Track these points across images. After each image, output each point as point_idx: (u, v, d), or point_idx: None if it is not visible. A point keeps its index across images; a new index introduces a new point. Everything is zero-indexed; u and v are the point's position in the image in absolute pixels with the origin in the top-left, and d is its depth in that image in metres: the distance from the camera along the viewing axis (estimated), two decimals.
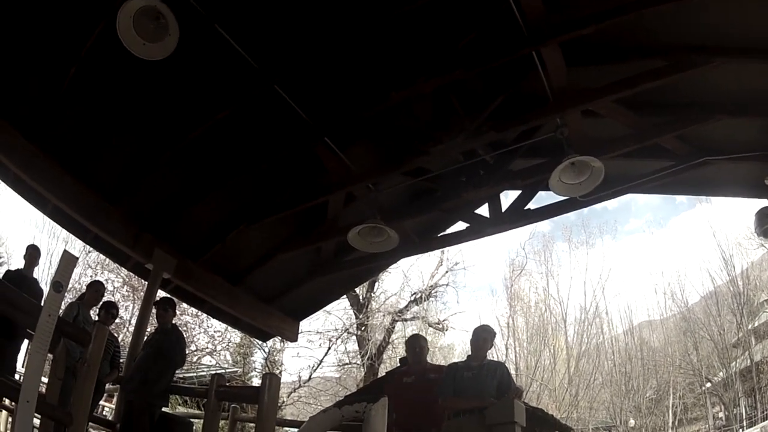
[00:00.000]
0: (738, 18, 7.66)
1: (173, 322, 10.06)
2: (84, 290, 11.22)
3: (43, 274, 28.78)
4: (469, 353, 8.71)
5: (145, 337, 10.23)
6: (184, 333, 11.28)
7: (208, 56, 8.09)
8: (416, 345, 8.89)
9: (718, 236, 68.81)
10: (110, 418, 11.33)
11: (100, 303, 10.27)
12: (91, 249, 17.08)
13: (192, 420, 11.90)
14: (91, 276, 30.63)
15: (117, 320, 12.48)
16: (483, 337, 8.60)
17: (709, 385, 47.80)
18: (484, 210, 11.47)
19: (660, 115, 9.32)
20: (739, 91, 8.73)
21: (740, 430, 39.78)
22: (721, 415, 46.97)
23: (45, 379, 7.75)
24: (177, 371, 10.16)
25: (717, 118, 8.83)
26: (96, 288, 10.08)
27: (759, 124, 9.15)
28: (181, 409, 21.98)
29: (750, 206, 10.30)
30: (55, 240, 35.09)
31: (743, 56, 7.95)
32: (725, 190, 11.22)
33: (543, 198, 9.99)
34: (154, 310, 10.22)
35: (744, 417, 42.09)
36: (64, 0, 7.19)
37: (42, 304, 6.27)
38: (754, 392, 41.69)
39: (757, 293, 47.87)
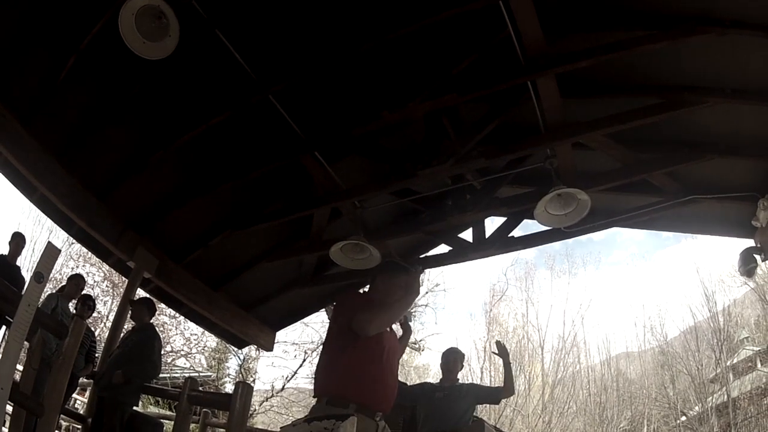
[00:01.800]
0: (733, 60, 7.75)
1: (150, 322, 10.09)
2: (64, 282, 11.21)
3: (26, 261, 28.71)
4: (441, 377, 8.77)
5: (122, 335, 10.22)
6: (160, 333, 11.28)
7: (207, 61, 8.14)
8: (450, 359, 8.89)
9: (701, 272, 69.15)
10: (82, 412, 11.31)
11: (79, 296, 10.27)
12: (75, 241, 17.04)
13: (163, 421, 11.91)
14: (72, 268, 30.61)
15: (95, 315, 12.38)
16: (453, 359, 8.70)
17: (684, 418, 47.87)
18: (467, 234, 11.54)
19: (650, 152, 9.39)
20: (730, 132, 8.83)
21: None
22: None
23: (20, 368, 7.77)
24: (155, 371, 10.14)
25: (707, 157, 8.91)
26: (76, 281, 10.08)
27: (749, 165, 9.25)
28: (152, 409, 21.97)
29: (735, 245, 10.41)
30: (39, 227, 34.95)
31: (736, 97, 8.02)
32: (711, 229, 11.23)
33: (528, 225, 10.10)
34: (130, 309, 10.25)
35: None
36: None
37: (23, 293, 6.30)
38: (730, 427, 41.78)
39: (738, 330, 48.07)
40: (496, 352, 8.91)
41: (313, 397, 5.09)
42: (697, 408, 46.23)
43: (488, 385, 9.31)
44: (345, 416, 4.49)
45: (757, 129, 8.63)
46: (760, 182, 9.16)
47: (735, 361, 45.04)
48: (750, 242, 10.04)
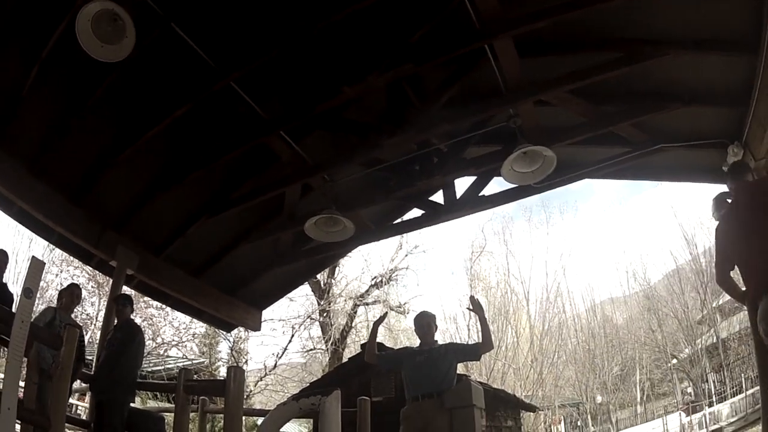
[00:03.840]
0: (692, 11, 7.86)
1: (132, 316, 10.16)
2: (50, 290, 11.21)
3: (9, 273, 28.64)
4: (419, 341, 8.87)
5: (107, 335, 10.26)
6: (149, 326, 11.33)
7: (166, 55, 8.18)
8: (424, 322, 9.02)
9: (679, 216, 69.61)
10: (84, 418, 11.35)
11: (76, 305, 10.26)
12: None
13: (163, 414, 12.03)
14: (56, 273, 30.56)
15: (84, 316, 12.24)
16: (426, 322, 8.75)
17: (675, 361, 48.28)
18: (439, 197, 11.63)
19: (614, 105, 9.53)
20: (693, 82, 8.96)
21: (710, 405, 40.15)
22: (689, 390, 47.37)
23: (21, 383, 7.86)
24: (142, 364, 10.20)
25: (672, 107, 9.02)
26: (70, 290, 10.03)
27: (715, 113, 9.40)
28: (151, 404, 22.04)
29: (711, 189, 10.53)
30: (20, 238, 34.92)
31: (697, 48, 8.13)
32: (683, 176, 11.42)
33: (500, 182, 10.17)
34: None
35: (713, 393, 42.51)
36: (26, 1, 7.26)
37: (14, 310, 6.40)
38: (722, 368, 42.10)
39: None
40: (471, 308, 9.00)
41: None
42: (687, 350, 46.64)
43: (467, 342, 9.27)
44: (329, 391, 4.64)
45: (721, 78, 8.79)
46: (727, 129, 9.29)
47: (721, 302, 45.30)
48: (722, 188, 10.19)
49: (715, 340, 44.26)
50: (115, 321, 10.02)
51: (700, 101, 9.04)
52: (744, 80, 8.20)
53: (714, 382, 43.63)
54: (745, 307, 6.58)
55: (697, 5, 7.73)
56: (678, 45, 8.08)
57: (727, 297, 40.98)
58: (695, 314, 47.97)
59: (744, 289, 6.49)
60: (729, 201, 8.98)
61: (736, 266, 6.61)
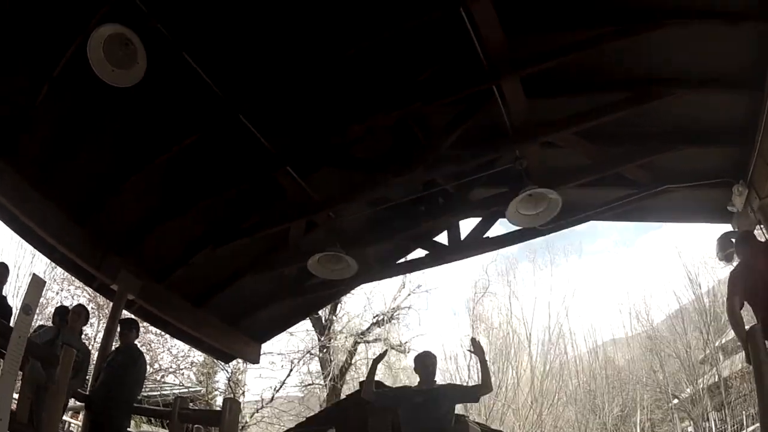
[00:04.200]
0: (697, 51, 7.94)
1: (134, 342, 10.10)
2: (52, 305, 11.13)
3: (10, 287, 28.59)
4: (418, 380, 8.82)
5: (108, 356, 10.15)
6: (147, 352, 11.28)
7: (177, 83, 8.18)
8: (428, 362, 8.92)
9: (683, 256, 69.36)
10: None
11: (83, 325, 10.17)
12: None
13: None
14: (56, 291, 30.47)
15: (83, 337, 12.11)
16: (431, 362, 8.72)
17: (676, 401, 47.99)
18: (443, 237, 11.63)
19: (620, 146, 9.55)
20: (699, 121, 9.03)
21: None
22: (690, 429, 47.08)
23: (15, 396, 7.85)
24: (141, 389, 10.14)
25: (678, 148, 9.11)
26: (75, 311, 9.93)
27: (719, 152, 9.47)
28: (145, 427, 21.96)
29: (715, 228, 10.52)
30: (23, 252, 34.82)
31: (703, 88, 8.24)
32: (687, 217, 11.49)
33: (505, 224, 10.17)
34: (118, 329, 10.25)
35: (714, 431, 42.31)
36: (40, 20, 7.24)
37: (12, 324, 6.40)
38: (723, 407, 41.84)
39: (724, 310, 48.06)
40: (472, 350, 8.97)
41: None
42: (688, 390, 46.26)
43: (466, 383, 9.28)
44: (324, 430, 4.63)
45: (725, 117, 8.85)
46: (732, 168, 9.35)
47: (723, 341, 45.05)
48: (727, 227, 10.17)
49: (717, 379, 44.10)
50: (117, 344, 9.97)
51: (706, 140, 9.16)
52: (749, 118, 8.31)
53: (715, 420, 43.38)
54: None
55: (702, 44, 7.81)
56: (684, 84, 8.20)
57: (731, 335, 40.95)
58: (698, 354, 47.69)
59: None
60: (733, 241, 9.03)
61: (745, 302, 7.49)
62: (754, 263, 7.66)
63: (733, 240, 9.73)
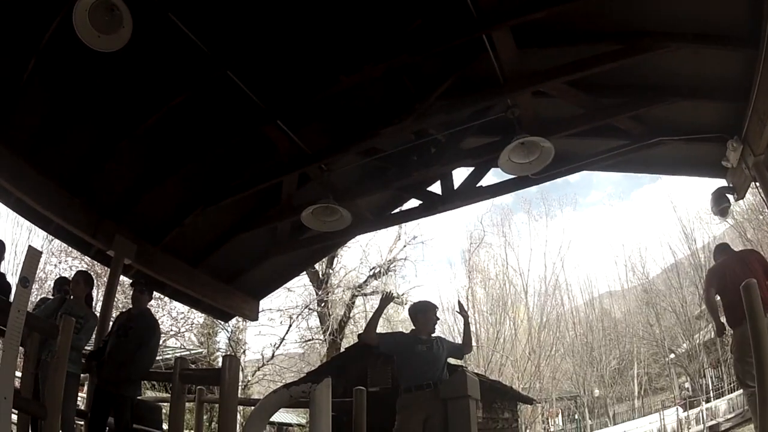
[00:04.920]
0: (692, 4, 7.86)
1: (148, 307, 9.98)
2: (51, 278, 11.01)
3: (9, 265, 28.59)
4: (415, 329, 8.82)
5: (118, 319, 9.82)
6: None
7: (163, 44, 8.13)
8: (430, 312, 8.86)
9: (679, 210, 69.69)
10: (82, 407, 11.24)
11: (87, 292, 9.98)
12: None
13: (160, 404, 12.03)
14: (55, 264, 30.53)
15: None
16: (433, 313, 8.77)
17: (673, 356, 48.29)
18: (436, 187, 11.62)
19: (613, 97, 9.51)
20: (694, 75, 8.96)
21: (708, 400, 40.12)
22: (687, 385, 47.36)
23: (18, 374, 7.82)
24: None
25: (671, 100, 9.04)
26: (75, 279, 9.80)
27: (714, 107, 9.43)
28: (149, 393, 22.05)
29: (710, 183, 10.57)
30: (19, 228, 34.84)
31: (697, 42, 8.09)
32: (681, 170, 11.46)
33: (498, 173, 10.15)
34: (130, 292, 10.15)
35: (711, 388, 42.52)
36: None
37: (11, 299, 6.37)
38: (720, 364, 42.07)
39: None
40: (459, 311, 9.02)
41: None
42: (685, 345, 46.61)
43: (451, 342, 9.37)
44: (320, 379, 4.62)
45: (720, 72, 8.78)
46: (727, 123, 9.28)
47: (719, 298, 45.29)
48: (721, 182, 10.18)
49: (713, 336, 44.26)
50: (123, 311, 9.88)
51: (700, 95, 9.08)
52: (744, 74, 8.18)
53: (711, 377, 43.64)
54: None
55: None
56: (678, 38, 8.06)
57: None
58: (693, 309, 47.99)
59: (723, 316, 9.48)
60: (729, 196, 9.08)
61: (718, 296, 9.52)
62: (726, 267, 9.44)
63: (728, 195, 9.78)
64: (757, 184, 9.17)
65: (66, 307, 8.66)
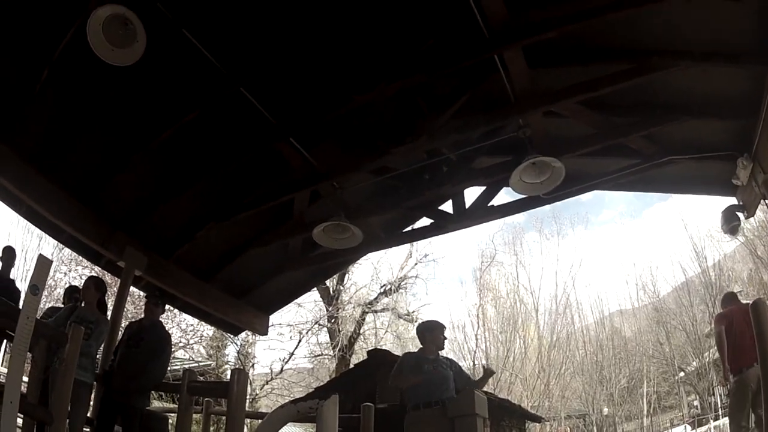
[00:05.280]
0: (702, 24, 7.85)
1: (160, 319, 10.00)
2: (58, 288, 11.02)
3: (19, 271, 28.65)
4: (422, 348, 8.87)
5: (129, 329, 9.88)
6: None
7: (177, 59, 8.19)
8: (437, 332, 9.03)
9: (690, 229, 69.30)
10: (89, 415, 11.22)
11: (99, 297, 9.94)
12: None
13: (167, 414, 12.06)
14: (65, 273, 30.60)
15: None
16: (441, 332, 8.82)
17: (682, 374, 48.10)
18: (448, 206, 11.65)
19: (624, 116, 9.51)
20: (703, 94, 8.94)
21: (716, 418, 39.99)
22: (696, 403, 47.14)
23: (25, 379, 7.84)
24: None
25: (682, 119, 9.04)
26: (86, 285, 9.78)
27: (724, 125, 9.40)
28: (156, 404, 22.08)
29: (721, 201, 10.54)
30: (30, 236, 34.86)
31: (708, 60, 8.12)
32: (692, 188, 11.44)
33: (509, 192, 10.16)
34: (140, 303, 10.16)
35: (719, 406, 42.38)
36: (38, 3, 7.26)
37: (20, 306, 6.41)
38: (728, 382, 41.88)
39: (731, 284, 48.01)
40: (485, 367, 9.14)
41: None
42: (694, 363, 46.37)
43: (467, 370, 9.37)
44: (328, 396, 4.65)
45: (730, 89, 8.77)
46: (737, 141, 9.27)
47: None
48: (732, 200, 10.18)
49: None
50: (134, 321, 9.89)
51: (710, 113, 9.06)
52: (754, 92, 8.20)
53: (720, 395, 43.42)
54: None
55: (707, 16, 7.72)
56: (688, 56, 8.09)
57: None
58: (703, 327, 47.77)
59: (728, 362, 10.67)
60: (739, 214, 9.14)
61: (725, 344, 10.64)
62: (734, 314, 10.54)
63: (738, 213, 9.81)
64: (767, 201, 9.18)
65: (77, 315, 8.62)
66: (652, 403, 52.41)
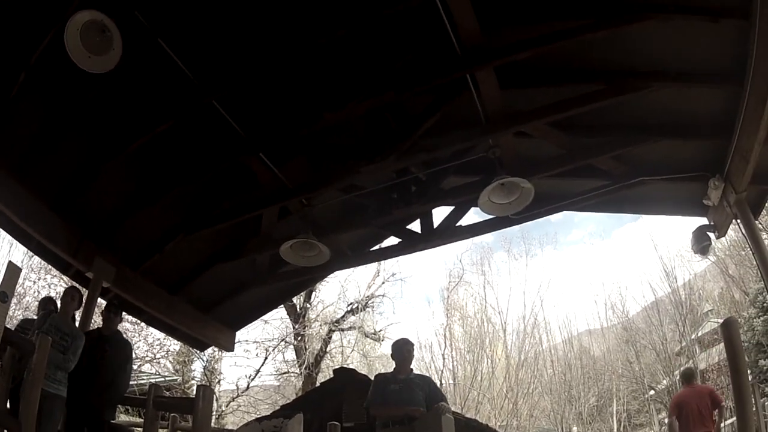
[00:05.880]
0: (677, 45, 8.01)
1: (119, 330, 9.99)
2: (30, 295, 10.89)
3: None
4: (394, 367, 8.87)
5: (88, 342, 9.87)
6: None
7: (151, 69, 8.24)
8: (404, 350, 9.02)
9: (659, 249, 69.86)
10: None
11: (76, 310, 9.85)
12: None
13: (133, 429, 11.99)
14: (34, 281, 30.39)
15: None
16: (407, 349, 8.82)
17: (652, 392, 48.28)
18: (416, 225, 11.72)
19: (594, 137, 9.61)
20: (675, 114, 9.09)
21: None
22: (666, 421, 47.32)
23: None
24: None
25: (653, 140, 9.19)
26: (71, 294, 9.67)
27: (696, 146, 9.56)
28: (123, 418, 21.94)
29: (692, 221, 10.70)
30: (0, 242, 34.73)
31: (679, 81, 8.27)
32: (663, 209, 11.53)
33: (478, 212, 10.21)
34: (97, 313, 10.08)
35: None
36: (17, 6, 7.23)
37: None
38: None
39: (701, 303, 48.37)
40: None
41: None
42: (665, 381, 46.54)
43: (436, 390, 9.20)
44: (292, 415, 4.66)
45: (703, 110, 8.94)
46: (708, 162, 9.41)
47: (700, 333, 45.36)
48: (703, 221, 10.28)
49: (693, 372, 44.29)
50: (92, 329, 9.80)
51: (683, 134, 9.22)
52: (726, 113, 8.35)
53: None
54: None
55: (681, 38, 7.88)
56: (661, 77, 8.25)
57: (707, 328, 41.37)
58: (674, 346, 48.00)
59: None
60: (710, 234, 9.28)
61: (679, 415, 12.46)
62: (683, 398, 12.73)
63: (709, 233, 9.91)
64: (739, 221, 9.26)
65: (52, 321, 8.51)
66: (622, 422, 52.53)
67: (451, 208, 11.43)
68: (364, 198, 10.77)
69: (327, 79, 8.85)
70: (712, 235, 10.15)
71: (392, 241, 12.32)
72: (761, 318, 33.38)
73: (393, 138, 9.45)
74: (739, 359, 6.25)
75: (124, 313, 10.83)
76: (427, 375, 8.97)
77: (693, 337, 45.86)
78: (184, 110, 8.75)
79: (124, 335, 10.43)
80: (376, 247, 13.38)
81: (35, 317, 9.83)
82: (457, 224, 11.28)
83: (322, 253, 9.93)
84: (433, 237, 11.34)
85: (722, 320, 7.48)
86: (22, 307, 26.82)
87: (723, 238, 10.57)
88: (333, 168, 9.97)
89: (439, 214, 11.67)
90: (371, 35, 8.34)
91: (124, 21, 6.48)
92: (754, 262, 11.90)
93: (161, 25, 7.48)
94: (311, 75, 8.81)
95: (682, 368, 15.27)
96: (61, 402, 8.25)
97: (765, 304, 32.89)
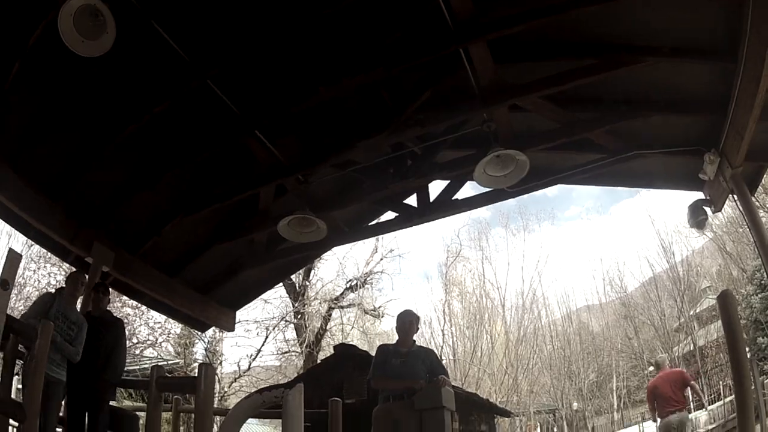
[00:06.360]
0: (668, 19, 7.94)
1: (109, 310, 10.00)
2: (30, 284, 10.89)
3: None
4: (397, 339, 8.88)
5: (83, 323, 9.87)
6: (126, 325, 11.11)
7: (145, 52, 8.18)
8: (406, 321, 8.98)
9: (657, 224, 69.89)
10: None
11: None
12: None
13: (137, 413, 12.05)
14: (34, 270, 30.41)
15: None
16: (409, 320, 8.80)
17: (651, 368, 48.41)
18: (413, 200, 11.73)
19: (589, 111, 9.62)
20: (670, 89, 9.06)
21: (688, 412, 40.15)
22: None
23: None
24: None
25: (647, 114, 9.20)
26: (74, 278, 9.60)
27: (691, 120, 9.53)
28: (127, 403, 22.00)
29: (689, 196, 10.62)
30: None
31: (673, 56, 8.22)
32: (658, 183, 11.55)
33: (474, 186, 10.19)
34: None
35: (691, 400, 42.62)
36: None
37: None
38: (699, 376, 42.15)
39: (699, 280, 48.48)
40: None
41: None
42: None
43: (438, 363, 9.14)
44: (293, 385, 4.68)
45: (698, 85, 8.93)
46: (704, 136, 9.41)
47: (698, 310, 45.47)
48: (699, 195, 10.28)
49: (692, 348, 44.40)
50: (89, 309, 9.78)
51: (677, 108, 9.19)
52: (721, 87, 8.33)
53: (688, 389, 43.65)
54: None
55: (675, 12, 7.79)
56: (655, 52, 8.19)
57: (705, 305, 41.29)
58: (672, 322, 48.14)
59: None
60: (706, 209, 9.25)
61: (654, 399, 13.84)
62: (657, 384, 14.05)
63: (705, 208, 9.90)
64: (735, 196, 9.27)
65: (59, 307, 8.50)
66: (622, 398, 52.81)
67: (447, 182, 11.45)
68: (360, 173, 10.78)
69: (321, 56, 8.80)
70: (708, 209, 10.15)
71: (389, 215, 12.35)
72: (759, 295, 33.42)
73: (388, 113, 9.44)
74: (737, 333, 6.23)
75: (125, 297, 10.84)
76: (430, 347, 8.89)
77: (691, 313, 45.99)
78: (178, 91, 8.70)
79: (125, 320, 10.45)
80: (374, 222, 13.44)
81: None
82: (454, 198, 11.30)
83: (320, 229, 9.94)
84: (429, 211, 11.36)
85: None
86: (23, 297, 26.85)
87: (720, 215, 10.65)
88: (329, 144, 9.98)
89: (435, 188, 11.68)
90: (363, 11, 8.24)
91: (117, 4, 6.45)
92: (752, 240, 11.93)
93: (153, 6, 7.42)
94: (306, 51, 8.76)
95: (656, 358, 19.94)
96: (62, 387, 8.33)
97: (763, 282, 32.89)
